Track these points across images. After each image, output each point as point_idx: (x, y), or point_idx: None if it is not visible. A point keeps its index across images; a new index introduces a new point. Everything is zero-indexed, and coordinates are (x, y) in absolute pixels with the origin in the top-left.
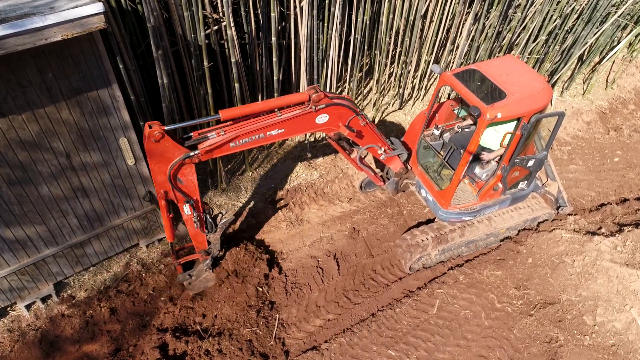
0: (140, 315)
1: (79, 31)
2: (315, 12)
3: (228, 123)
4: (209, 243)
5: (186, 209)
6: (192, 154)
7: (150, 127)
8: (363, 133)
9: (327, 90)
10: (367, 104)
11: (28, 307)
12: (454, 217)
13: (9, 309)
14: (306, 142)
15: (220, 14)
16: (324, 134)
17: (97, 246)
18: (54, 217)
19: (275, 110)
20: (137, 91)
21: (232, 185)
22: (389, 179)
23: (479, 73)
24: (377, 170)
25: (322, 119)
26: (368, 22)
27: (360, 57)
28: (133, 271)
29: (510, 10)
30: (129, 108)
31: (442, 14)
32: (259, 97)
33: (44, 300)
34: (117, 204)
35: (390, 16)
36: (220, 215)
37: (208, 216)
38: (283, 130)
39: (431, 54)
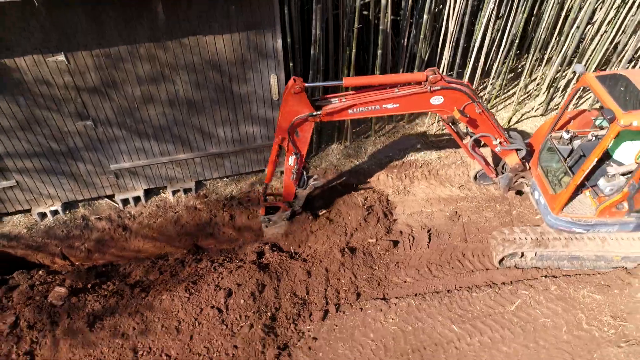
0: (250, 227)
1: None
2: None
3: (350, 91)
4: (295, 197)
5: (291, 160)
6: (315, 113)
7: (294, 80)
8: (478, 122)
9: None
10: (509, 104)
11: (174, 193)
12: (563, 225)
13: (161, 191)
14: (434, 124)
15: None
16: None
17: (234, 161)
18: (209, 127)
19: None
20: (294, 37)
21: (354, 145)
22: (503, 173)
23: (626, 79)
24: (490, 163)
25: (436, 100)
26: (525, 17)
27: (512, 54)
28: (255, 191)
29: None
30: (284, 51)
31: (616, 17)
32: (400, 72)
33: (185, 191)
34: (257, 130)
35: (552, 13)
36: (315, 176)
37: (305, 173)
38: (398, 105)
39: (601, 64)
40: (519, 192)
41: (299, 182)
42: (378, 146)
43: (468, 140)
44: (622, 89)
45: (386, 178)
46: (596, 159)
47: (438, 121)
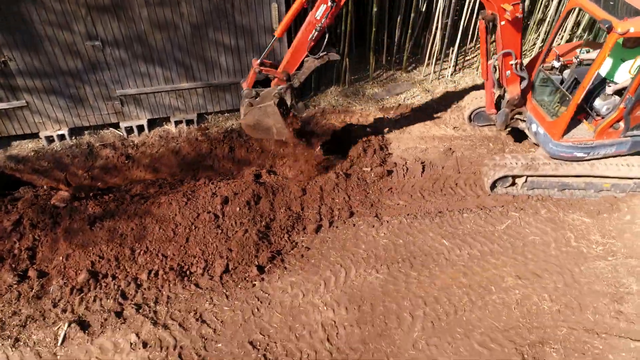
0: (248, 159)
1: None
2: None
3: None
4: (300, 67)
5: (320, 10)
6: None
7: None
8: (514, 28)
9: None
10: None
11: (176, 124)
12: (565, 151)
13: (164, 122)
14: (430, 74)
15: None
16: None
17: (234, 95)
18: (211, 55)
19: None
20: None
21: (352, 88)
22: (498, 110)
23: None
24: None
25: None
26: None
27: None
28: None
29: None
30: None
31: None
32: None
33: (188, 123)
34: None
35: None
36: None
37: (325, 40)
38: None
39: None
40: (514, 135)
41: (315, 46)
42: (375, 91)
43: (492, 61)
44: (612, 3)
45: (382, 117)
46: (596, 72)
47: (434, 72)
